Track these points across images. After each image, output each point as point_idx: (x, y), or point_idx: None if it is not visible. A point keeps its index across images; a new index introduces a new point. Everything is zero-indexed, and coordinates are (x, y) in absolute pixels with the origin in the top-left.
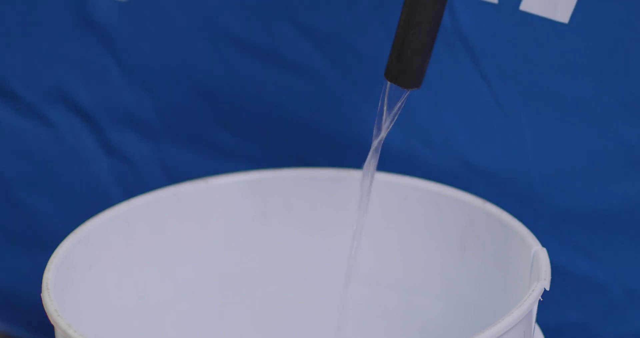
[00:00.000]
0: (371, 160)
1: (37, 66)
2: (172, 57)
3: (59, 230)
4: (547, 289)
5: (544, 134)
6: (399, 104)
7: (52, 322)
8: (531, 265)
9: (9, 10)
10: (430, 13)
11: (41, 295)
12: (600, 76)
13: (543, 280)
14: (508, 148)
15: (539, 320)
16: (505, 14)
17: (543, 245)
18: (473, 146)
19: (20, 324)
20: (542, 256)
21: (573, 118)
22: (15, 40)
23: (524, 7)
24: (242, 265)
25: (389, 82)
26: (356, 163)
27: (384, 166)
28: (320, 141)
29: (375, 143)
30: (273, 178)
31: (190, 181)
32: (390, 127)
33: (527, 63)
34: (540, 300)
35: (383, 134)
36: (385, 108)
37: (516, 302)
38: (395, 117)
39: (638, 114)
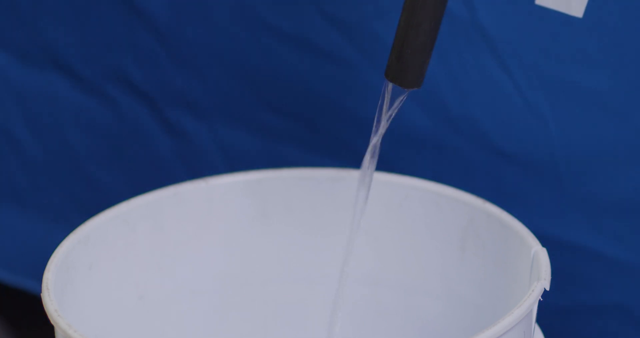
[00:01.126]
0: (370, 159)
1: (94, 46)
2: (214, 41)
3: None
4: (547, 289)
5: (566, 123)
6: (396, 104)
7: (52, 322)
8: (531, 265)
9: None
10: (430, 13)
11: (41, 295)
12: (615, 67)
13: (543, 280)
14: (533, 136)
15: (576, 300)
16: (522, 8)
17: (574, 229)
18: (500, 134)
19: None
20: (542, 256)
21: (592, 108)
22: (72, 21)
23: (539, 1)
24: (242, 265)
25: (389, 83)
26: (390, 147)
27: (416, 153)
28: (355, 126)
29: (374, 141)
30: (273, 178)
31: (190, 181)
32: (386, 127)
33: (545, 55)
34: (540, 300)
35: (380, 133)
36: (385, 108)
37: (516, 302)
38: (391, 119)
39: None
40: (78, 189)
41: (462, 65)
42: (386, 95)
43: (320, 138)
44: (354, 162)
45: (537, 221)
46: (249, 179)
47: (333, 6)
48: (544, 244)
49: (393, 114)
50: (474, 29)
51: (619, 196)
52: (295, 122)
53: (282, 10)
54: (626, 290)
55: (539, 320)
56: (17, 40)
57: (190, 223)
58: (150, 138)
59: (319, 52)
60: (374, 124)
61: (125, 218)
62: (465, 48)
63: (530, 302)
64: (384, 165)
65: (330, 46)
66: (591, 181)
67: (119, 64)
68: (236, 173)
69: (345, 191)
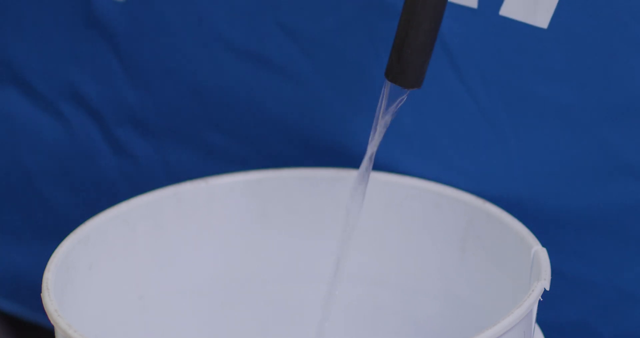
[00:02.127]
0: (368, 164)
1: (51, 61)
2: (169, 57)
3: (79, 221)
4: (547, 289)
5: (527, 139)
6: (394, 105)
7: (52, 322)
8: (531, 265)
9: (24, 5)
10: (430, 13)
11: (41, 295)
12: (581, 81)
13: (543, 280)
14: (492, 154)
15: (539, 319)
16: (485, 19)
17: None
18: (458, 153)
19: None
20: (542, 256)
21: (556, 123)
22: (29, 35)
23: (503, 12)
24: (242, 265)
25: (389, 83)
26: (341, 166)
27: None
28: (305, 144)
29: (372, 146)
30: (273, 178)
31: (190, 181)
32: (385, 130)
33: (508, 68)
34: (540, 300)
35: (379, 137)
36: (382, 110)
37: (516, 302)
38: (390, 120)
39: (620, 118)
40: (30, 207)
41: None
42: (384, 97)
43: (267, 159)
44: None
45: None
46: (249, 179)
47: (292, 18)
48: None
49: (392, 116)
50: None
51: (580, 212)
52: (242, 143)
53: (238, 23)
54: (588, 308)
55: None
56: None
57: (190, 223)
58: (98, 157)
59: (273, 67)
60: (372, 128)
61: (125, 218)
62: None
63: (530, 302)
64: None
65: (287, 60)
66: (551, 196)
67: (75, 80)
68: (236, 173)
69: (345, 191)
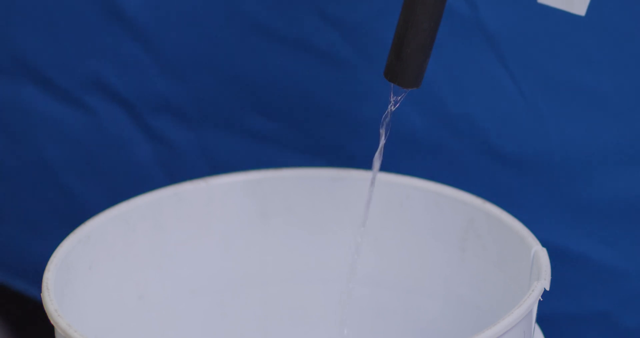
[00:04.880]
0: (378, 157)
1: (70, 55)
2: (201, 46)
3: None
4: (547, 289)
5: (565, 123)
6: (392, 102)
7: (52, 322)
8: (531, 265)
9: (43, 0)
10: (430, 12)
11: (41, 295)
12: (618, 68)
13: (543, 279)
14: (531, 136)
15: (561, 311)
16: (524, 6)
17: (564, 233)
18: (498, 134)
19: None
20: (542, 256)
21: (592, 109)
22: (47, 30)
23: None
24: (242, 265)
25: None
26: (387, 149)
27: (411, 154)
28: (351, 128)
29: (383, 141)
30: (273, 177)
31: (190, 181)
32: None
33: (546, 54)
34: (540, 300)
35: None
36: (390, 108)
37: (516, 302)
38: (388, 118)
39: None
40: (55, 200)
41: (462, 63)
42: (391, 95)
43: (312, 141)
44: (349, 166)
45: (528, 223)
46: (249, 179)
47: (331, 6)
48: None
49: (389, 114)
50: (475, 27)
51: (612, 198)
52: (287, 126)
53: (276, 11)
54: (611, 298)
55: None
56: None
57: (190, 223)
58: (130, 145)
59: (315, 53)
60: (382, 125)
61: (126, 218)
62: (465, 46)
63: (530, 302)
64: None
65: (328, 46)
66: (586, 183)
67: (97, 71)
68: (236, 172)
69: (345, 191)
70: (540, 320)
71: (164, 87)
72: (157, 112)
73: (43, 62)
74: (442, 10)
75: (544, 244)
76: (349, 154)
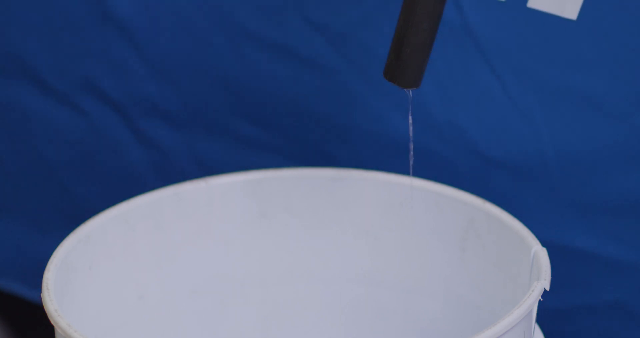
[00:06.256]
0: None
1: (64, 57)
2: (191, 50)
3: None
4: (547, 289)
5: (559, 127)
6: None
7: (52, 322)
8: (531, 265)
9: (36, 2)
10: (429, 12)
11: (41, 295)
12: (611, 70)
13: (543, 279)
14: (523, 141)
15: (573, 302)
16: (513, 11)
17: (568, 231)
18: (487, 140)
19: None
20: (542, 256)
21: (587, 111)
22: (42, 32)
23: (531, 4)
24: (242, 264)
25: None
26: (373, 155)
27: (400, 160)
28: (336, 134)
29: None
30: (273, 178)
31: (190, 181)
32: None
33: (537, 59)
34: (540, 300)
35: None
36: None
37: (516, 302)
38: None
39: None
40: (55, 200)
41: (450, 70)
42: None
43: (298, 146)
44: None
45: (528, 225)
46: (249, 179)
47: (317, 12)
48: None
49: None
50: (463, 33)
51: (612, 196)
52: (273, 131)
53: (264, 17)
54: (623, 288)
55: (539, 320)
56: None
57: (190, 223)
58: (122, 147)
59: (301, 58)
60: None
61: (126, 218)
62: (453, 52)
63: (530, 302)
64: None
65: (314, 52)
66: (584, 183)
67: (91, 74)
68: (236, 173)
69: (345, 191)
70: (553, 314)
71: (154, 91)
72: (147, 115)
73: (38, 64)
74: (442, 10)
75: (547, 244)
76: (334, 159)
